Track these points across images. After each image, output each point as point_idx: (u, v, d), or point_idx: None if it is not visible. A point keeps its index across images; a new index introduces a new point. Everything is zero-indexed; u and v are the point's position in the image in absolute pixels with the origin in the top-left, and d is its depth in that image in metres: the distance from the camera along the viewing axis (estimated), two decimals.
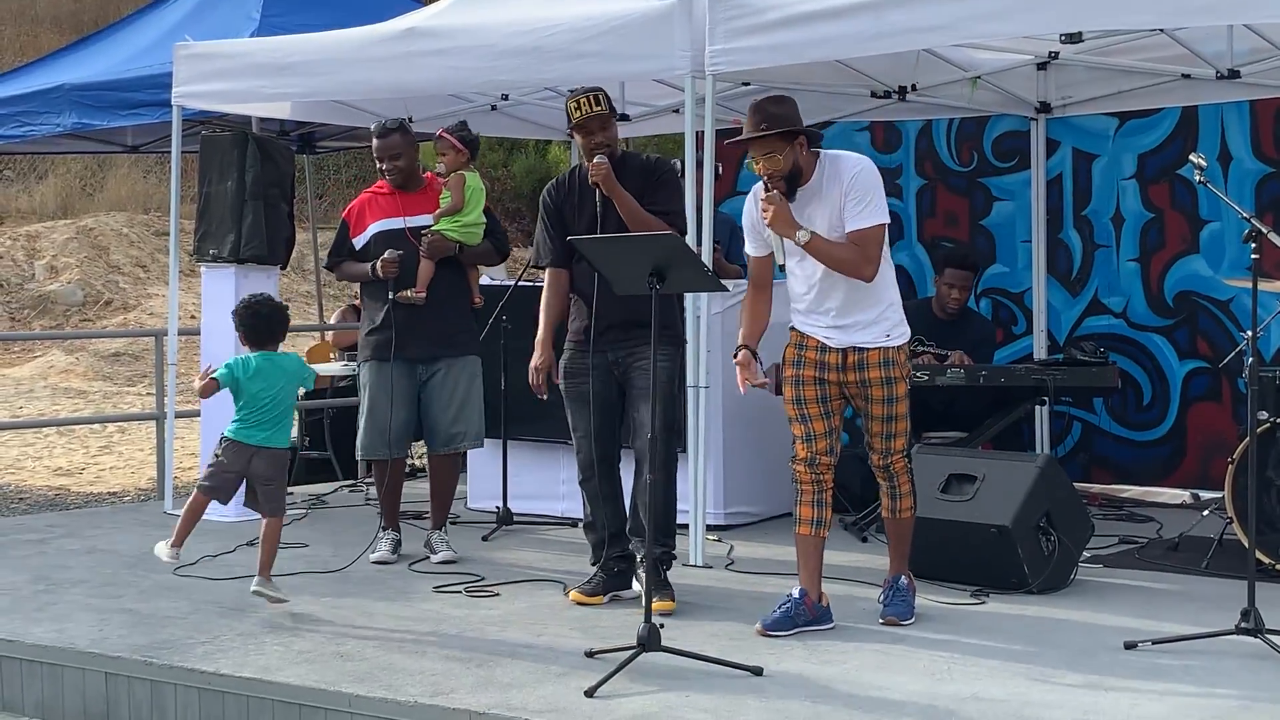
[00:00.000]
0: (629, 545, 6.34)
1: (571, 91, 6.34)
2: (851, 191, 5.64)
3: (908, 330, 5.85)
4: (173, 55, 8.61)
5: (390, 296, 7.11)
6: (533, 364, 6.36)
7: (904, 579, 5.94)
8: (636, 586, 6.28)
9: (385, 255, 7.09)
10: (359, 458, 7.60)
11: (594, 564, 6.39)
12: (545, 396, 6.35)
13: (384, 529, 7.27)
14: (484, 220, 7.30)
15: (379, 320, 7.17)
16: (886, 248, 5.76)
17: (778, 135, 5.62)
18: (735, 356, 5.81)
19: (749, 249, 5.90)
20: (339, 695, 5.02)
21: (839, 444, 5.86)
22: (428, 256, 7.13)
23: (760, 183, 5.71)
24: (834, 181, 5.68)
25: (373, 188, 7.42)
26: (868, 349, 5.71)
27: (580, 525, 6.53)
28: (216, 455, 6.24)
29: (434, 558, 7.10)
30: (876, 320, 5.73)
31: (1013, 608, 6.19)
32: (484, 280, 7.86)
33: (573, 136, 6.35)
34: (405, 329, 7.10)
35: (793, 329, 5.88)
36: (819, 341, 5.77)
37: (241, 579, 6.69)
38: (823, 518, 5.82)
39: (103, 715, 5.50)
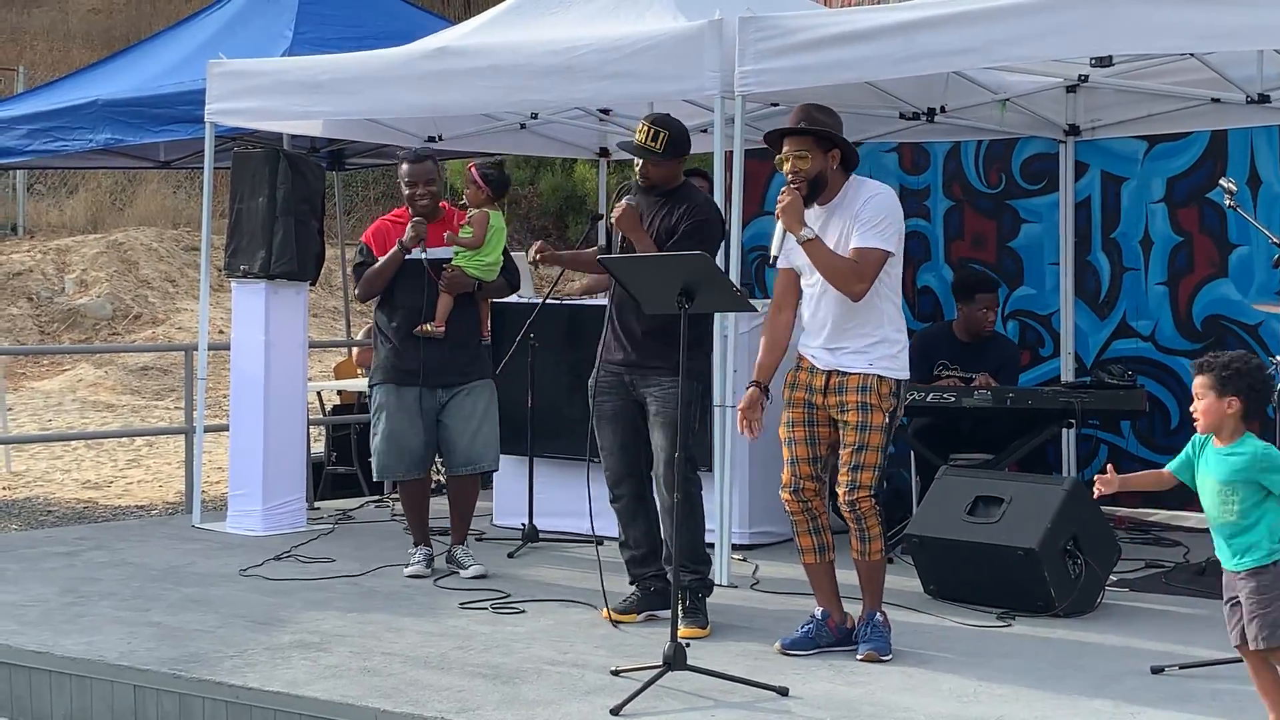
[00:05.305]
0: (665, 566, 6.28)
1: (646, 117, 6.28)
2: (863, 212, 5.64)
3: (901, 371, 5.73)
4: (205, 72, 8.67)
5: (392, 323, 7.20)
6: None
7: (879, 615, 5.81)
8: None
9: (411, 227, 7.12)
10: (377, 478, 7.69)
11: (631, 583, 6.38)
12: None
13: (416, 545, 7.32)
14: (501, 260, 7.40)
15: (399, 350, 7.20)
16: (894, 281, 5.73)
17: (813, 139, 5.64)
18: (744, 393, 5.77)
19: (777, 260, 5.83)
20: (365, 710, 5.04)
21: (825, 472, 5.82)
22: (447, 291, 7.20)
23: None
24: (852, 203, 5.69)
25: (390, 216, 7.46)
26: (849, 373, 5.67)
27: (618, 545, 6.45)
28: None
29: (464, 573, 7.13)
30: (864, 350, 5.67)
31: (1039, 631, 6.18)
32: (512, 298, 7.90)
33: None
34: (422, 359, 7.15)
35: (798, 352, 5.88)
36: (810, 363, 5.77)
37: (271, 594, 6.74)
38: (823, 543, 5.83)
39: None
